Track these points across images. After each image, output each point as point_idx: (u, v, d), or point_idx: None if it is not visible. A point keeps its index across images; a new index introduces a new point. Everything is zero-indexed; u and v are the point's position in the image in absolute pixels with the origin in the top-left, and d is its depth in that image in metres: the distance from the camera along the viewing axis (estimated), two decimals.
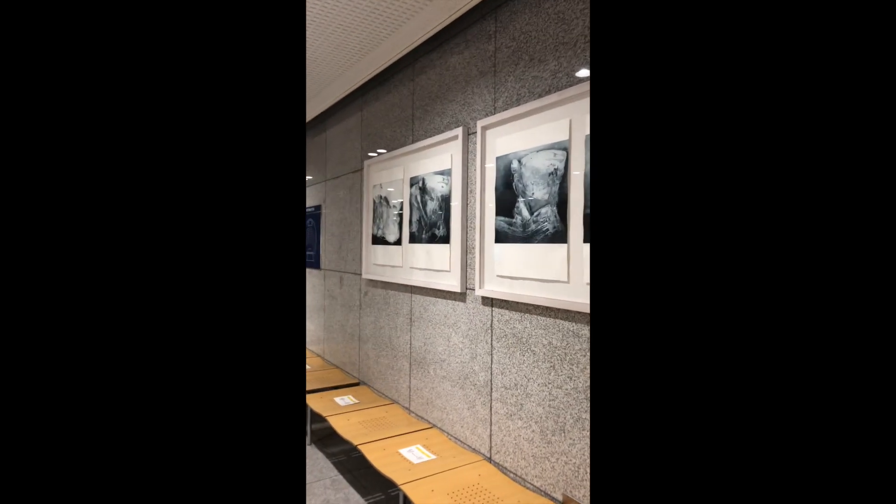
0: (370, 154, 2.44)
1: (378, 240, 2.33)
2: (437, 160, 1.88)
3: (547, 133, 1.37)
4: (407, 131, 2.12)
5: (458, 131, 1.75)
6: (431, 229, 1.91)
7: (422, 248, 1.97)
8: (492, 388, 1.62)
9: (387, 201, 2.26)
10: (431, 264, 1.91)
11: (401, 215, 2.13)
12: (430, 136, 1.93)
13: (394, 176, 2.19)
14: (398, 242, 2.15)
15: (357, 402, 2.19)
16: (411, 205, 2.05)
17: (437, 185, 1.88)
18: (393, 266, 2.20)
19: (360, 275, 2.54)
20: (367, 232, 2.43)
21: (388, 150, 2.26)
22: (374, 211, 2.37)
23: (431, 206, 1.91)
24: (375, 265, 2.36)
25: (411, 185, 2.05)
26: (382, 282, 2.31)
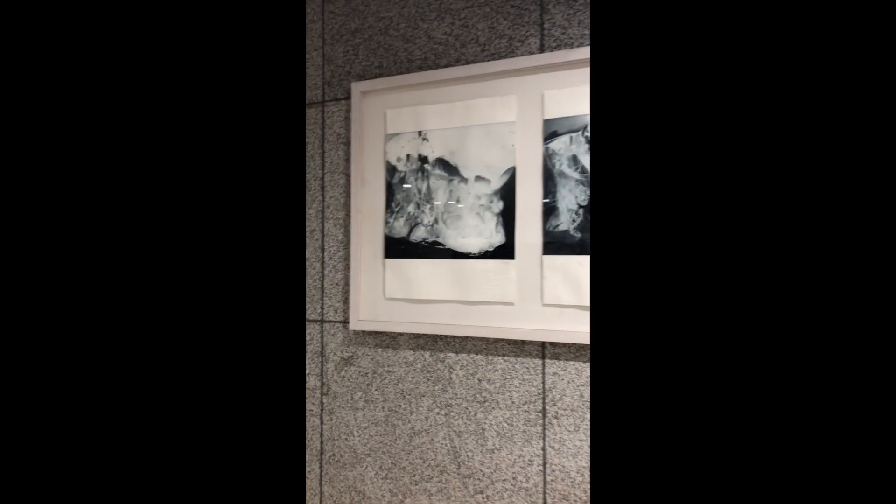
0: (366, 71, 1.18)
1: (409, 247, 1.11)
2: None
3: None
4: (522, 28, 1.04)
5: None
6: None
7: None
8: None
9: (447, 167, 1.08)
10: None
11: (507, 198, 1.03)
12: None
13: (475, 117, 1.06)
14: (497, 254, 1.03)
15: None
16: (555, 175, 0.99)
17: None
18: (472, 302, 1.06)
19: (345, 323, 1.20)
20: (374, 229, 1.16)
21: (430, 66, 1.10)
22: (391, 190, 1.14)
23: None
24: (396, 302, 1.13)
25: (550, 137, 0.99)
26: (418, 335, 1.11)
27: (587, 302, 0.96)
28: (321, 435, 1.22)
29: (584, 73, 0.98)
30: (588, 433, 0.98)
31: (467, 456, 1.07)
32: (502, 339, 1.05)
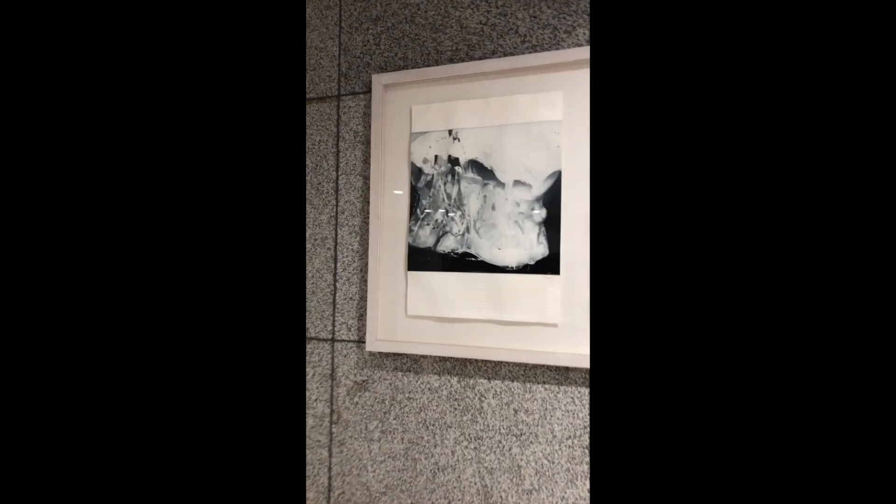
0: (388, 63, 1.06)
1: (436, 259, 0.99)
2: None
3: None
4: (569, 18, 0.94)
5: None
6: None
7: None
8: None
9: (481, 170, 0.97)
10: None
11: (551, 205, 0.91)
12: None
13: (513, 115, 0.95)
14: (539, 268, 0.92)
15: None
16: None
17: None
18: (508, 322, 0.94)
19: (359, 343, 1.07)
20: (395, 238, 1.04)
21: (463, 58, 0.99)
22: (415, 194, 1.02)
23: None
24: (419, 320, 1.00)
25: None
26: (444, 358, 0.98)
27: None
28: (329, 469, 1.08)
29: None
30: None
31: (500, 496, 0.95)
32: (543, 365, 0.93)
